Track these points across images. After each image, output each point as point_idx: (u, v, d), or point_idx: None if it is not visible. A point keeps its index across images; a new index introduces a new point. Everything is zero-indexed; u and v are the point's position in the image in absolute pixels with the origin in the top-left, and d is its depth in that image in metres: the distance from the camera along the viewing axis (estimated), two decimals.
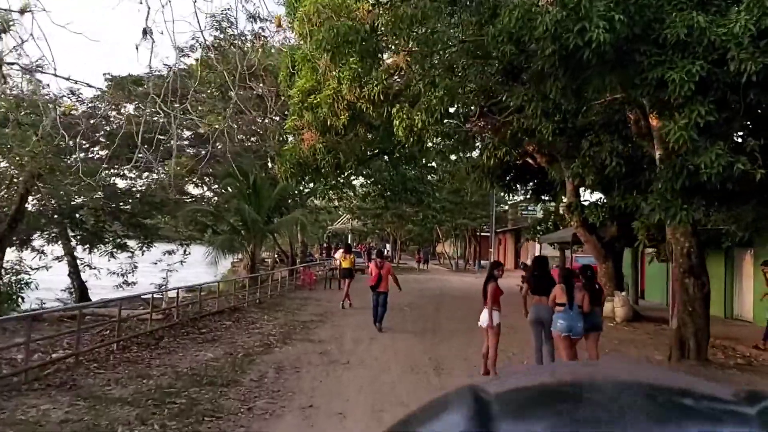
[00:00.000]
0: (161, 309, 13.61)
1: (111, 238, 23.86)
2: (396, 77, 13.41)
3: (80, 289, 22.31)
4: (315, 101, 14.16)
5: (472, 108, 11.08)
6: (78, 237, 23.19)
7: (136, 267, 27.58)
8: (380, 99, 12.66)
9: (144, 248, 25.26)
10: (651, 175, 12.49)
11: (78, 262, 23.66)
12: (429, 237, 56.52)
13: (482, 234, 52.91)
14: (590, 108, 9.98)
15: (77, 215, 21.64)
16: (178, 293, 13.67)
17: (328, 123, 14.13)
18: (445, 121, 11.25)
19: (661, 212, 8.55)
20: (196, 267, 32.23)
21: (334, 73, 14.15)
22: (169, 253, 28.68)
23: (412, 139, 11.98)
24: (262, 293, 18.98)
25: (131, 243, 25.76)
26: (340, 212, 59.55)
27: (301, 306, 17.41)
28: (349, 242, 51.24)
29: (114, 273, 26.86)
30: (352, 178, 32.14)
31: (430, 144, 18.62)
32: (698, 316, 10.12)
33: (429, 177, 38.50)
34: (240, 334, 12.29)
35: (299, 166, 15.89)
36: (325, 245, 45.30)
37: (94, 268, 24.97)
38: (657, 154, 10.19)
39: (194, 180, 28.36)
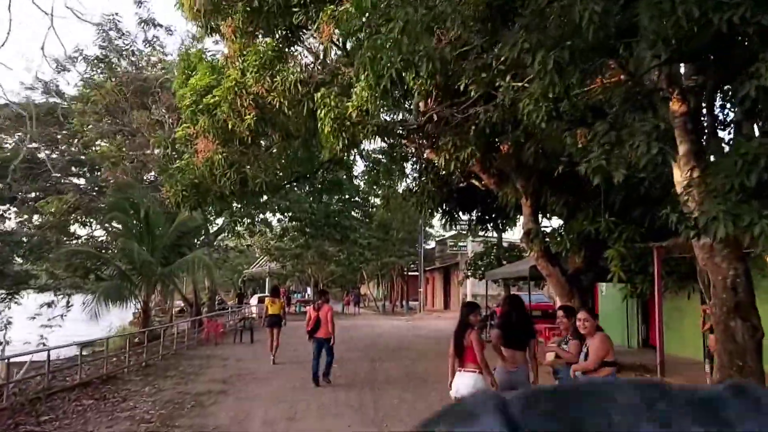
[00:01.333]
0: None
1: None
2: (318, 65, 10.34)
3: None
4: (212, 100, 10.81)
5: (426, 93, 8.01)
6: None
7: (9, 323, 22.94)
8: (297, 90, 9.48)
9: (8, 301, 20.65)
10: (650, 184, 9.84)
11: None
12: (353, 278, 53.04)
13: (409, 273, 50.10)
14: (590, 92, 7.14)
15: None
16: (8, 363, 9.60)
17: (230, 126, 10.78)
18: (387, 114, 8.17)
19: (725, 223, 5.66)
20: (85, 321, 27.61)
21: (237, 63, 10.94)
22: (48, 305, 24.07)
23: (341, 142, 8.79)
24: (151, 353, 15.01)
25: None
26: (256, 254, 55.34)
27: (200, 369, 13.61)
28: (275, 285, 47.29)
29: None
30: (267, 214, 28.57)
31: (362, 149, 15.51)
32: (751, 371, 7.25)
33: (353, 212, 35.40)
34: (99, 421, 8.49)
35: (194, 188, 12.37)
36: (239, 291, 40.91)
37: None
38: (680, 150, 7.40)
39: (80, 218, 24.08)
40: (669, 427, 0.52)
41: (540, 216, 15.70)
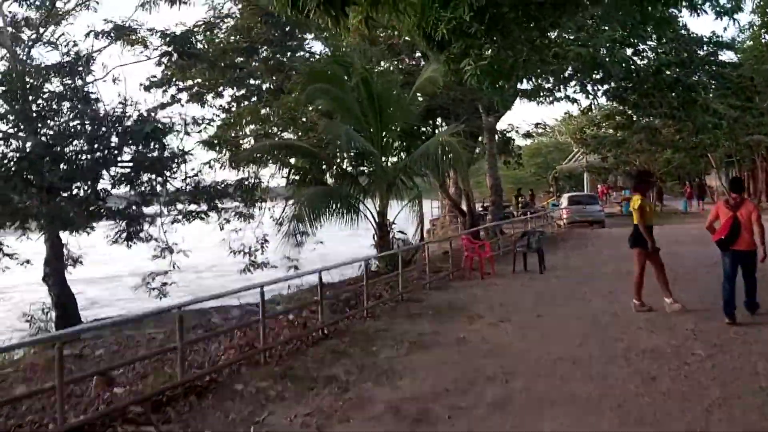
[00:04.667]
0: None
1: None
2: None
3: (60, 306, 12.80)
4: None
5: None
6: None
7: (266, 241, 19.26)
8: None
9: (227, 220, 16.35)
10: None
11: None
12: (695, 167, 41.25)
13: None
14: None
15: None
16: None
17: None
18: None
19: None
20: (356, 239, 23.18)
21: None
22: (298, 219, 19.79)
23: None
24: (351, 308, 8.70)
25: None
26: (572, 147, 46.67)
27: (405, 353, 6.68)
28: (640, 170, 39.07)
29: (238, 252, 19.03)
30: (570, 88, 19.92)
31: None
32: None
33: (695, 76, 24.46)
34: None
35: None
36: (518, 192, 32.47)
37: (176, 251, 16.78)
38: None
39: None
40: None
41: None
